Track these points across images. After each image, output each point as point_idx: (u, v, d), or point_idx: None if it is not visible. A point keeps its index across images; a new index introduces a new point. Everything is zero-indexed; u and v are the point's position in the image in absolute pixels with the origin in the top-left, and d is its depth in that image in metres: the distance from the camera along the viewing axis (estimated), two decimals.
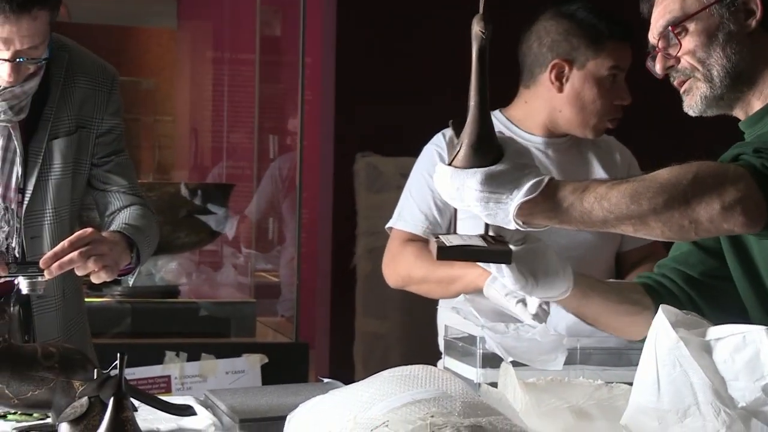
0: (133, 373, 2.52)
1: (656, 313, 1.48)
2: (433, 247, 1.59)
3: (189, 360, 2.03)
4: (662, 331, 1.48)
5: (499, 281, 2.22)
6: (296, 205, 3.02)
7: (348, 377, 1.95)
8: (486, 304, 2.24)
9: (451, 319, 2.32)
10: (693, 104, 1.72)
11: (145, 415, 1.65)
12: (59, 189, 2.10)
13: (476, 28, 1.58)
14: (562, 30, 2.41)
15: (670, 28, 1.72)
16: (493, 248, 1.59)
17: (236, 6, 4.67)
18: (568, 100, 2.43)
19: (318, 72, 4.31)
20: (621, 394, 1.70)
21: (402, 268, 2.45)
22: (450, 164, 1.56)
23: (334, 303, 3.99)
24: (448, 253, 1.59)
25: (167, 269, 3.05)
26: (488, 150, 1.54)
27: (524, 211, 1.51)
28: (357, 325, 3.94)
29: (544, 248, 1.65)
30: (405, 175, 2.61)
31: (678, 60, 1.72)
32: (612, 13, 2.44)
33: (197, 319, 2.80)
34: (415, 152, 2.58)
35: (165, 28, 4.94)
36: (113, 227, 2.05)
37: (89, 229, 1.91)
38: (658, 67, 1.74)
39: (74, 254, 1.86)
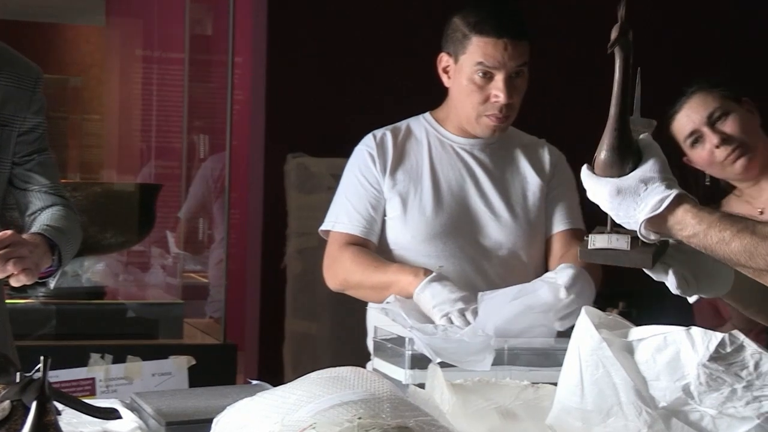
0: (56, 376, 2.48)
1: None
2: (581, 247, 1.63)
3: (114, 362, 2.00)
4: (586, 332, 1.50)
5: (428, 291, 2.24)
6: (224, 206, 3.00)
7: (277, 379, 1.94)
8: (414, 305, 2.25)
9: (380, 320, 2.33)
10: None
11: (68, 418, 1.62)
12: None
13: (619, 36, 1.56)
14: (452, 25, 2.44)
15: None
16: (634, 253, 1.60)
17: (165, 3, 4.63)
18: (452, 94, 2.46)
19: (248, 71, 4.29)
20: (547, 395, 1.72)
21: (340, 272, 2.46)
22: (591, 167, 1.59)
23: (263, 304, 3.98)
24: (589, 255, 1.62)
25: (94, 270, 3.01)
26: (623, 159, 1.56)
27: (652, 225, 1.53)
28: (287, 326, 3.93)
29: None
30: (336, 176, 2.62)
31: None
32: (505, 10, 2.42)
33: (123, 320, 2.77)
34: (347, 153, 2.58)
35: (93, 26, 4.88)
36: (34, 228, 2.01)
37: (9, 232, 1.87)
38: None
39: None
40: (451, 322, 2.16)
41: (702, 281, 1.65)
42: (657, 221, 1.53)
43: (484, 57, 2.36)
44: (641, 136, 1.62)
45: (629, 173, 1.56)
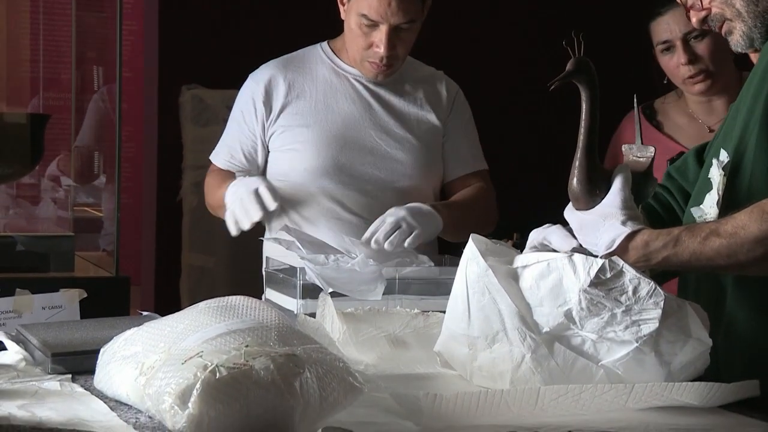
0: None
1: None
2: None
3: (3, 296, 1.96)
4: (472, 259, 1.52)
5: (230, 189, 2.30)
6: (116, 138, 2.94)
7: (174, 312, 1.93)
8: (308, 235, 2.26)
9: (274, 251, 2.33)
10: (737, 43, 1.77)
11: None
12: None
13: (577, 71, 1.58)
14: None
15: None
16: None
17: None
18: (345, 30, 2.44)
19: (141, 0, 4.18)
20: (436, 322, 1.75)
21: (205, 197, 2.55)
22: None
23: (159, 238, 3.93)
24: None
25: None
26: (590, 192, 1.59)
27: (618, 255, 1.54)
28: (183, 259, 3.90)
29: None
30: (231, 108, 2.59)
31: (709, 10, 1.77)
32: None
33: (13, 253, 2.71)
34: (242, 85, 2.56)
35: None
36: None
37: None
38: (694, 21, 1.79)
39: None
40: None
41: None
42: (620, 254, 1.55)
43: (368, 9, 2.32)
44: (618, 165, 1.64)
45: (596, 206, 1.59)
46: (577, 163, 1.60)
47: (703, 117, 2.69)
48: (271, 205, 2.23)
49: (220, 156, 2.52)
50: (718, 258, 1.54)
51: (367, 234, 2.18)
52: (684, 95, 2.71)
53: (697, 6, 1.77)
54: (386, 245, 2.15)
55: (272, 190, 2.25)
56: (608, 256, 1.54)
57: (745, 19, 1.75)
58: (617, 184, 1.61)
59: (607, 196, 1.60)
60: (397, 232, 2.17)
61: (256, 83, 2.48)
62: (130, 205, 4.19)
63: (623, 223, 1.57)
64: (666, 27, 2.60)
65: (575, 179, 1.60)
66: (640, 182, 1.67)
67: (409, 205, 2.27)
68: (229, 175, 2.48)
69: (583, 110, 1.61)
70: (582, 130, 1.60)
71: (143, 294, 3.90)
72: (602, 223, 1.58)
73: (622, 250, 1.56)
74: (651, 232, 1.57)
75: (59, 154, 3.59)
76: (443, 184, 2.55)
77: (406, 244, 2.17)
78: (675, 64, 2.61)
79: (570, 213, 1.64)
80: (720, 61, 2.60)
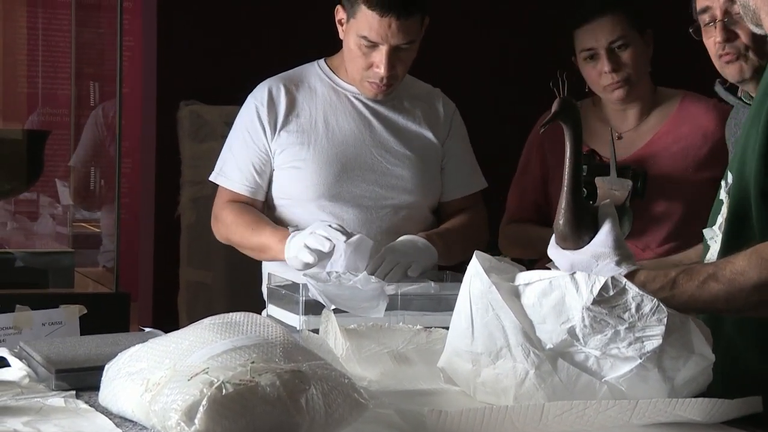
0: None
1: None
2: None
3: (2, 312, 1.96)
4: (476, 276, 1.53)
5: (297, 257, 2.25)
6: (116, 153, 2.95)
7: (173, 328, 1.93)
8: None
9: (274, 267, 2.33)
10: (731, 75, 1.76)
11: None
12: None
13: (561, 112, 1.58)
14: None
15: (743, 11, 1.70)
16: None
17: None
18: (344, 48, 2.45)
19: (138, 17, 4.19)
20: (439, 339, 1.75)
21: (222, 230, 2.49)
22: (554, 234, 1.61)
23: (157, 254, 3.94)
24: None
25: None
26: (577, 232, 1.59)
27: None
28: (181, 275, 3.90)
29: None
30: (229, 124, 2.60)
31: (737, 36, 1.75)
32: None
33: (12, 270, 2.72)
34: (240, 101, 2.56)
35: None
36: None
37: None
38: (719, 36, 1.77)
39: None
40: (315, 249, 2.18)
41: None
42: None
43: (368, 31, 2.32)
44: (602, 203, 1.64)
45: (584, 246, 1.59)
46: (563, 203, 1.60)
47: (616, 123, 2.73)
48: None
49: (236, 181, 2.47)
50: (717, 303, 1.54)
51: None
52: (600, 102, 2.74)
53: (730, 26, 1.75)
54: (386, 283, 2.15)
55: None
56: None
57: (758, 69, 1.75)
58: (607, 223, 1.60)
59: (597, 235, 1.60)
60: (395, 268, 2.17)
61: (257, 101, 2.48)
62: (128, 220, 4.20)
63: (617, 263, 1.57)
64: (591, 35, 2.63)
65: (562, 219, 1.60)
66: (618, 216, 1.68)
67: (403, 238, 2.28)
68: (248, 208, 2.45)
69: (568, 150, 1.61)
70: (567, 171, 1.61)
71: (141, 309, 3.90)
72: (595, 263, 1.58)
73: None
74: (647, 274, 1.57)
75: (58, 169, 3.60)
76: (440, 202, 2.56)
77: (409, 274, 2.18)
78: (598, 72, 2.64)
79: (556, 252, 1.63)
80: (640, 70, 2.65)
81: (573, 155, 1.60)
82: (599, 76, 2.64)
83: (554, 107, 1.60)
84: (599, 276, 1.49)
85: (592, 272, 1.55)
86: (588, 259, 1.59)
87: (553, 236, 1.65)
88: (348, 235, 2.18)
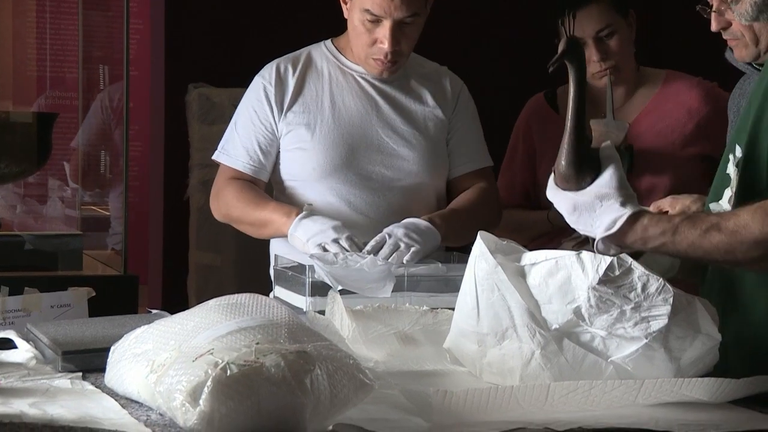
0: None
1: None
2: None
3: (11, 294, 1.96)
4: (481, 257, 1.53)
5: (299, 230, 2.24)
6: (123, 136, 2.95)
7: (181, 311, 1.94)
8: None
9: (282, 249, 2.33)
10: (742, 57, 1.80)
11: None
12: None
13: (568, 51, 1.59)
14: None
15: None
16: None
17: None
18: (349, 28, 2.44)
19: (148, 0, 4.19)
20: (445, 319, 1.75)
21: (222, 206, 2.47)
22: (553, 176, 1.60)
23: (166, 236, 3.94)
24: None
25: None
26: (580, 173, 1.58)
27: (612, 241, 1.55)
28: (190, 258, 3.90)
29: None
30: (238, 107, 2.59)
31: (730, 24, 1.77)
32: None
33: (21, 252, 2.72)
34: (249, 83, 2.55)
35: None
36: None
37: None
38: (714, 25, 1.80)
39: None
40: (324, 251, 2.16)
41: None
42: (616, 238, 1.56)
43: (371, 4, 2.32)
44: (603, 145, 1.63)
45: (587, 187, 1.58)
46: (566, 144, 1.59)
47: (601, 103, 2.72)
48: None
49: (239, 159, 2.45)
50: (716, 253, 1.54)
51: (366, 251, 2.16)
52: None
53: (721, 15, 1.77)
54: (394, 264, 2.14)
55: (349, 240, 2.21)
56: (607, 237, 1.54)
57: (759, 44, 1.76)
58: (611, 163, 1.60)
59: (601, 176, 1.59)
60: (396, 252, 2.16)
61: (265, 80, 2.47)
62: (137, 203, 4.21)
63: (622, 204, 1.57)
64: (577, 25, 2.61)
65: (564, 160, 1.59)
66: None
67: (406, 221, 2.26)
68: (250, 185, 2.44)
69: (571, 91, 1.61)
70: (570, 111, 1.60)
71: (151, 292, 3.91)
72: (599, 204, 1.57)
73: (621, 231, 1.56)
74: (651, 217, 1.57)
75: (66, 152, 3.60)
76: (447, 180, 2.54)
77: (405, 262, 2.15)
78: (585, 60, 2.64)
79: (557, 193, 1.62)
80: (626, 55, 2.66)
81: (576, 96, 1.60)
82: (587, 63, 2.63)
83: (561, 46, 1.60)
84: (604, 257, 1.49)
85: (595, 213, 1.56)
86: (592, 200, 1.58)
87: (552, 178, 1.64)
88: (359, 246, 2.16)
